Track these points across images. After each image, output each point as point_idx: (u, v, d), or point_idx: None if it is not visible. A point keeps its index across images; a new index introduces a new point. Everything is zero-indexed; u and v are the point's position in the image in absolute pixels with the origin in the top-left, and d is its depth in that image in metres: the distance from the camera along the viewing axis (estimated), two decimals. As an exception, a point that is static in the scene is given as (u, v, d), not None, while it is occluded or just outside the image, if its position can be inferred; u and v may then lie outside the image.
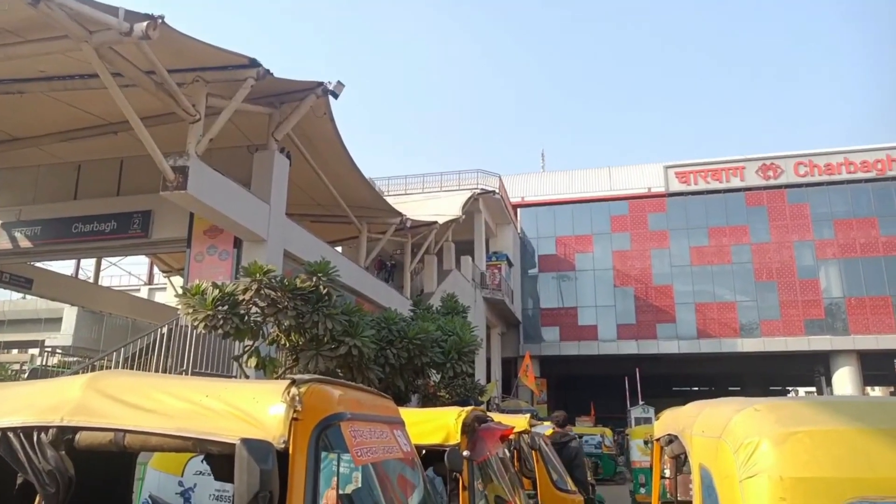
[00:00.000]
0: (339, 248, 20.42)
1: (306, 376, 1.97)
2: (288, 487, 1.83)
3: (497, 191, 32.97)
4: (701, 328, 38.62)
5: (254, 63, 10.73)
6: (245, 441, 1.70)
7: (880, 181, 38.15)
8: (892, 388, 33.33)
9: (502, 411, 20.34)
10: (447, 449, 3.41)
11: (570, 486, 6.30)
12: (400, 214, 18.13)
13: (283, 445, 1.81)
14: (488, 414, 4.46)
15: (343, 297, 10.61)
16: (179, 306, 8.57)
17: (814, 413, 2.72)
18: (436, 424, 3.64)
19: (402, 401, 11.62)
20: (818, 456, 2.51)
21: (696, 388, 45.90)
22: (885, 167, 38.16)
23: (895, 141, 38.79)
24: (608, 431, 24.31)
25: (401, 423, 2.44)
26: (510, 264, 36.88)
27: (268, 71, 10.98)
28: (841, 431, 2.58)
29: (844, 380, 35.71)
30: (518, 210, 42.26)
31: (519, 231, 41.75)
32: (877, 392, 39.97)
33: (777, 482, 2.48)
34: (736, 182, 39.94)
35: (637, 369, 28.74)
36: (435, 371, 12.10)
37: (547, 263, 41.81)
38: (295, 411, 1.87)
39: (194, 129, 10.54)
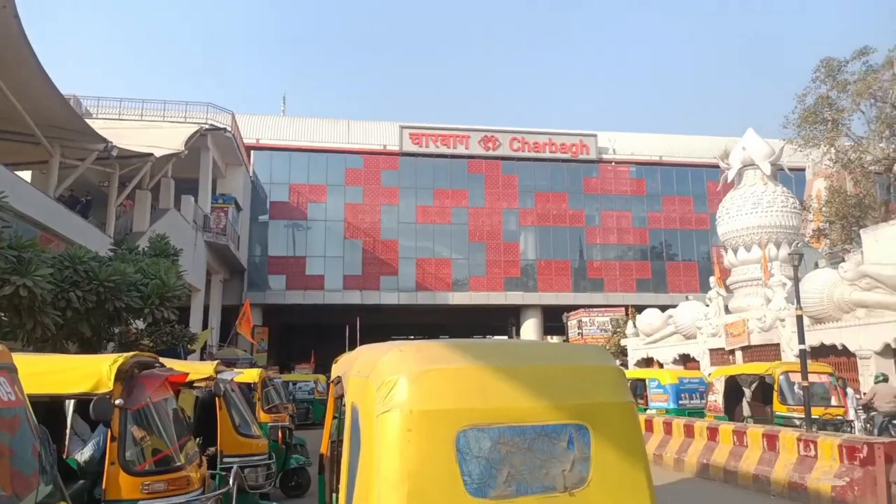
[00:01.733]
0: (25, 174, 17.29)
1: None
2: None
3: (229, 128, 30.94)
4: (420, 281, 41.50)
5: None
6: None
7: (574, 162, 44.57)
8: (564, 337, 39.96)
9: (216, 360, 19.52)
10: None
11: (256, 430, 6.35)
12: (104, 140, 15.93)
13: None
14: (160, 360, 4.20)
15: (15, 229, 9.02)
16: None
17: (450, 354, 3.06)
18: (86, 372, 3.30)
19: (91, 348, 10.42)
20: (444, 390, 2.84)
21: (412, 337, 49.51)
22: (579, 150, 44.63)
23: (592, 129, 45.55)
24: (322, 378, 24.94)
25: (8, 369, 2.13)
26: (238, 208, 35.19)
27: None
28: (466, 369, 2.94)
29: (530, 329, 41.70)
30: (252, 152, 40.33)
31: (251, 174, 39.95)
32: (553, 339, 47.35)
33: (407, 415, 2.75)
34: (461, 149, 43.20)
35: (358, 318, 29.87)
36: (133, 317, 11.06)
37: (279, 210, 40.85)
38: None
39: None
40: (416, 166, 42.84)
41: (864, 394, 13.84)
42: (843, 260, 22.95)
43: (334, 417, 3.74)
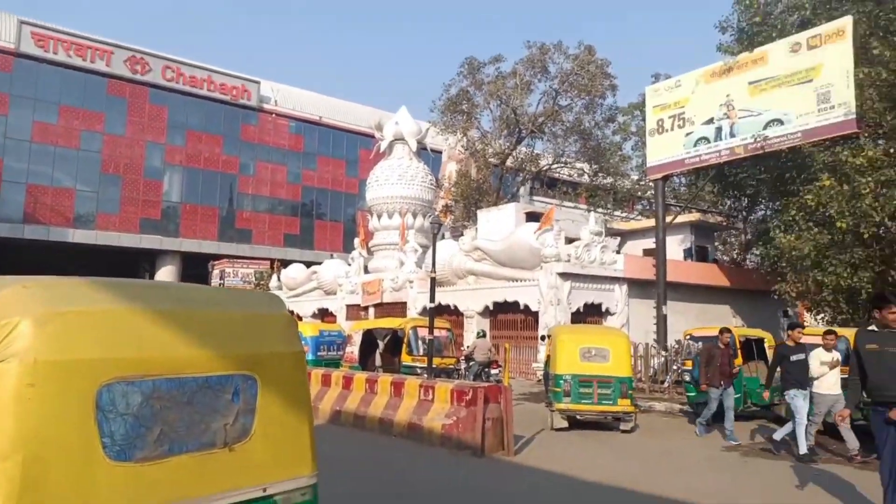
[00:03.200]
0: None
1: None
2: None
3: None
4: (30, 212, 34.70)
5: None
6: None
7: (233, 106, 42.27)
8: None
9: None
10: None
11: None
12: None
13: None
14: None
15: None
16: None
17: (92, 293, 2.49)
18: None
19: None
20: (83, 337, 2.30)
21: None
22: (240, 94, 42.48)
23: (256, 76, 43.60)
24: None
25: None
26: None
27: None
28: (114, 311, 2.43)
29: (165, 277, 38.54)
30: None
31: None
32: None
33: (29, 367, 2.15)
34: (101, 65, 37.19)
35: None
36: None
37: None
38: None
39: None
40: (37, 73, 35.41)
41: (468, 346, 16.41)
42: (463, 234, 26.72)
43: None
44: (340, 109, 47.59)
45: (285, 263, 35.24)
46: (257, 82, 43.37)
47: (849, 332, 10.33)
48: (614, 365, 10.30)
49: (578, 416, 10.39)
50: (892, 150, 14.63)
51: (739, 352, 11.50)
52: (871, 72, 15.05)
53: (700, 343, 12.23)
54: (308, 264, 32.73)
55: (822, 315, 17.07)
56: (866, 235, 14.38)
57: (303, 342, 16.12)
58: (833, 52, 15.25)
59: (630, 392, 10.33)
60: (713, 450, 9.14)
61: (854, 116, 15.14)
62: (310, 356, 15.73)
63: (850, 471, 7.78)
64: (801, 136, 16.26)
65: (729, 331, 10.34)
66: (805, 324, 24.75)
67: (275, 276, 33.69)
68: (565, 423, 10.35)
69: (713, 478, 7.44)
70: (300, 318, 28.56)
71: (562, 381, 10.17)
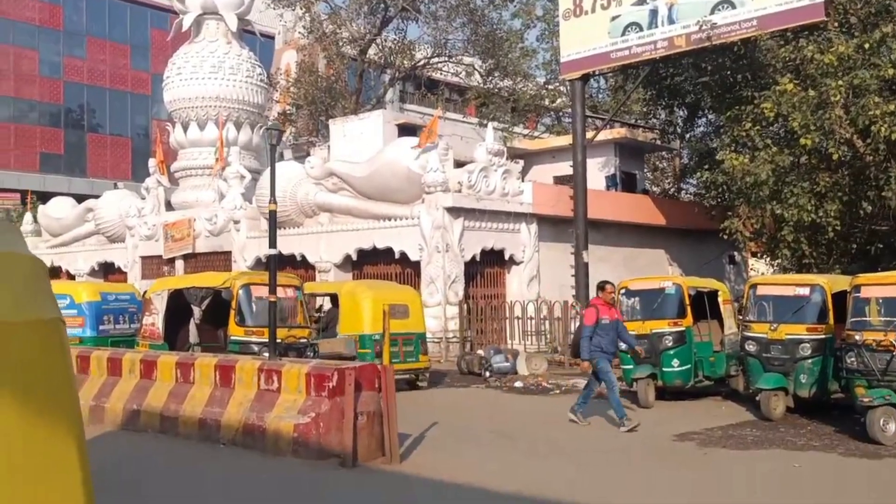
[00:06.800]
0: None
1: None
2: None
3: None
4: None
5: None
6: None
7: None
8: None
9: None
10: None
11: None
12: None
13: None
14: None
15: None
16: None
17: None
18: None
19: None
20: None
21: None
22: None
23: None
24: None
25: None
26: None
27: None
28: None
29: None
30: None
31: None
32: None
33: None
34: None
35: None
36: None
37: None
38: None
39: None
40: None
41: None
42: (310, 154, 25.81)
43: None
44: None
45: (44, 197, 32.80)
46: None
47: (824, 279, 10.94)
48: (414, 321, 13.96)
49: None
50: (866, 46, 15.48)
51: (689, 308, 11.87)
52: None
53: (637, 298, 12.55)
54: (80, 199, 30.64)
55: (777, 260, 18.22)
56: (835, 157, 15.29)
57: (76, 311, 15.03)
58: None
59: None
60: (662, 440, 9.36)
61: (822, 0, 15.87)
62: (88, 331, 14.71)
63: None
64: (757, 23, 16.87)
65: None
66: (752, 272, 26.72)
67: (28, 216, 31.32)
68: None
69: (670, 476, 7.56)
70: (72, 278, 26.75)
71: (372, 342, 13.00)
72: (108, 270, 27.58)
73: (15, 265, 2.26)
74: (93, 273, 27.54)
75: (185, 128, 27.43)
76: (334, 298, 14.93)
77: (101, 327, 14.97)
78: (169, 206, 26.58)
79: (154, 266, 25.25)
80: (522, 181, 21.10)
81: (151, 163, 27.41)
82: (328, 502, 6.93)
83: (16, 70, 40.71)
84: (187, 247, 24.04)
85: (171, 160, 28.02)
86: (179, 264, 24.34)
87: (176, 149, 28.21)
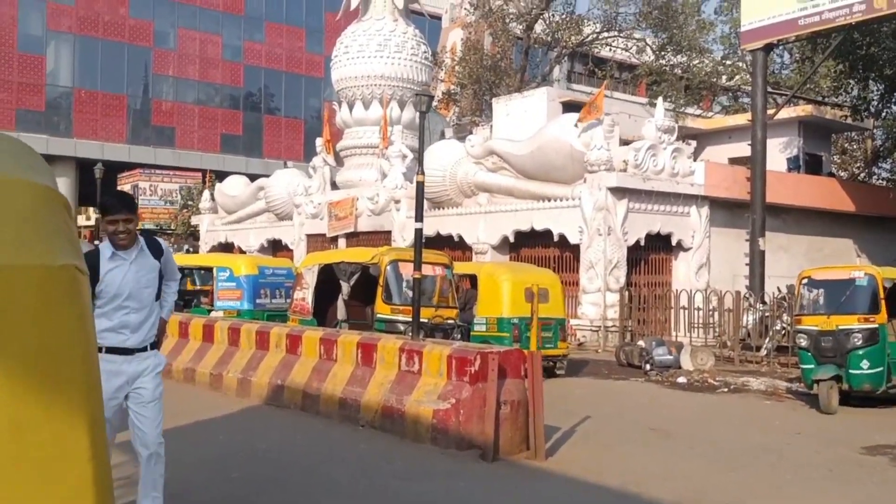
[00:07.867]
0: None
1: None
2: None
3: None
4: None
5: None
6: None
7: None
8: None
9: None
10: None
11: None
12: None
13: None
14: None
15: None
16: None
17: None
18: None
19: None
20: None
21: None
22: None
23: None
24: None
25: None
26: None
27: None
28: None
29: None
30: None
31: None
32: (93, 213, 43.89)
33: None
34: None
35: None
36: None
37: None
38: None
39: None
40: None
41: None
42: (472, 133, 25.38)
43: None
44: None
45: (222, 176, 34.26)
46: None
47: None
48: (553, 306, 13.03)
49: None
50: None
51: (883, 303, 10.49)
52: None
53: (822, 290, 11.22)
54: (254, 178, 31.72)
55: None
56: None
57: (235, 284, 15.30)
58: None
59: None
60: (846, 447, 8.21)
61: None
62: (245, 304, 14.91)
63: None
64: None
65: None
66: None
67: (206, 193, 32.77)
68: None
69: (855, 497, 6.47)
70: (243, 253, 27.73)
71: (511, 325, 12.44)
72: (276, 247, 28.41)
73: (18, 195, 1.78)
74: (262, 250, 28.42)
75: (351, 107, 27.73)
76: (473, 280, 14.43)
77: (257, 301, 15.09)
78: (334, 186, 26.98)
79: (318, 244, 25.70)
80: (694, 161, 19.86)
81: (318, 142, 27.97)
82: (467, 495, 6.36)
83: (201, 55, 42.88)
84: (349, 226, 24.28)
85: (337, 140, 28.46)
86: (342, 243, 24.62)
87: (341, 128, 28.62)
